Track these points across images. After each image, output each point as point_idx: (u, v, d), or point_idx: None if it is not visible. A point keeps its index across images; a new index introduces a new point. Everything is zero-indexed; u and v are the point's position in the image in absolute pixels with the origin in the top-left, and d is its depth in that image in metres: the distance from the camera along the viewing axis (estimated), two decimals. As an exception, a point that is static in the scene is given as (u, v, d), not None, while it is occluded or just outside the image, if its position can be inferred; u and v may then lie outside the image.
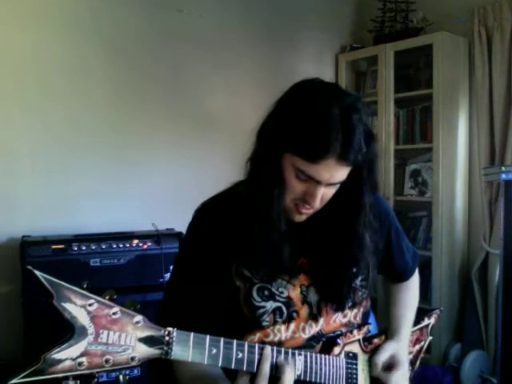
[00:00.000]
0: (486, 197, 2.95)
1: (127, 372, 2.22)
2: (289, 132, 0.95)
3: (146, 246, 2.37)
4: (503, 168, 2.38)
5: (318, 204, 0.98)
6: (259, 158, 1.02)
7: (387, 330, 1.21)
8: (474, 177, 3.12)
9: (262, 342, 1.03)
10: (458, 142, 3.10)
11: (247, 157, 1.04)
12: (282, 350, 0.95)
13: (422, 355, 1.31)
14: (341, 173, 0.95)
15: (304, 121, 0.93)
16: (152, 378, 2.11)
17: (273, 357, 0.92)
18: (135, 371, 2.25)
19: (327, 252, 1.06)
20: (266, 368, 0.90)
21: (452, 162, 3.07)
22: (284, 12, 3.32)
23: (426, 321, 1.32)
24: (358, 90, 3.63)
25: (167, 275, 2.33)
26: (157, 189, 2.81)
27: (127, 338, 0.77)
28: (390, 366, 1.13)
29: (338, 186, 1.00)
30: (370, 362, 1.12)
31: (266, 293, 1.04)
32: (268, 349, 0.91)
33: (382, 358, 1.12)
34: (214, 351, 0.86)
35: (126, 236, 2.40)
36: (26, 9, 2.42)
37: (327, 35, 3.55)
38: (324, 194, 0.98)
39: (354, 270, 1.09)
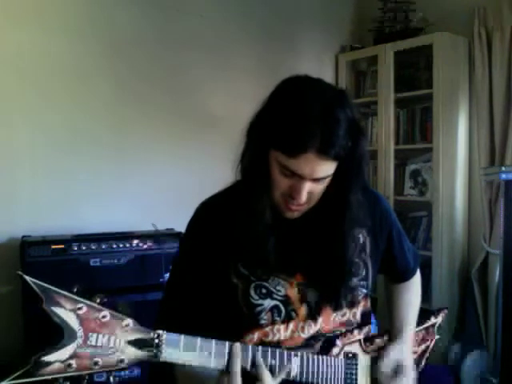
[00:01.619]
0: (486, 197, 2.95)
1: (125, 373, 2.23)
2: (272, 128, 0.96)
3: (145, 246, 2.37)
4: (503, 168, 2.38)
5: (304, 199, 0.97)
6: (247, 155, 1.03)
7: (390, 331, 1.20)
8: (474, 177, 3.12)
9: (262, 342, 1.04)
10: (458, 142, 3.09)
11: (239, 155, 1.05)
12: (277, 351, 0.95)
13: (427, 355, 1.30)
14: (324, 167, 0.94)
15: (285, 116, 0.94)
16: (151, 377, 2.11)
17: (262, 356, 0.91)
18: (135, 371, 2.25)
19: (321, 250, 1.06)
20: (236, 366, 0.88)
21: (452, 162, 3.07)
22: (284, 12, 3.32)
23: (433, 320, 1.31)
24: (358, 90, 3.63)
25: (167, 275, 2.32)
26: (157, 189, 2.82)
27: (116, 340, 0.79)
28: (396, 371, 1.12)
29: (328, 181, 1.00)
30: (375, 367, 1.11)
31: (264, 291, 1.04)
32: (237, 346, 0.90)
33: (387, 364, 1.11)
34: (206, 353, 0.86)
35: (126, 236, 2.40)
36: (25, 11, 2.42)
37: (327, 35, 3.54)
38: (312, 189, 0.98)
39: (350, 269, 1.08)
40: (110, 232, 2.44)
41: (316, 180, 0.97)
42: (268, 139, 0.97)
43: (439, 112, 3.00)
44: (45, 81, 2.49)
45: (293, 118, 0.93)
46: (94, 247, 2.26)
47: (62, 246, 2.21)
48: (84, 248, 2.25)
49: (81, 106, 2.59)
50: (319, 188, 0.99)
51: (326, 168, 0.95)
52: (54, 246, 2.20)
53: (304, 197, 0.97)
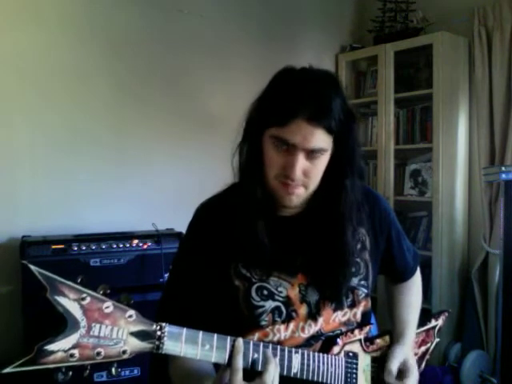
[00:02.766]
0: (486, 197, 2.95)
1: (125, 373, 2.23)
2: (264, 108, 0.99)
3: (145, 246, 2.36)
4: (503, 168, 2.38)
5: (297, 174, 0.97)
6: (243, 144, 1.05)
7: (391, 332, 1.20)
8: (474, 177, 3.12)
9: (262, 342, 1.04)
10: (458, 142, 3.10)
11: (235, 148, 1.06)
12: (278, 347, 0.95)
13: (427, 357, 1.30)
14: (316, 136, 0.95)
15: (276, 93, 0.98)
16: (151, 377, 2.11)
17: (256, 351, 0.91)
18: (135, 371, 2.25)
19: (322, 248, 1.06)
20: (238, 361, 0.88)
21: (452, 162, 3.07)
22: (284, 12, 3.32)
23: (433, 322, 1.31)
24: (358, 90, 3.64)
25: (167, 275, 2.32)
26: (157, 189, 2.82)
27: (119, 331, 0.79)
28: (401, 372, 1.12)
29: (323, 163, 1.00)
30: (383, 369, 1.11)
31: (265, 292, 1.04)
32: (239, 341, 0.90)
33: (396, 364, 1.11)
34: (207, 346, 0.86)
35: (126, 236, 2.40)
36: (24, 11, 2.42)
37: (327, 35, 3.55)
38: (306, 168, 0.98)
39: (353, 268, 1.09)
40: (110, 232, 2.44)
41: (309, 154, 0.96)
42: (261, 121, 0.99)
43: (439, 112, 3.00)
44: (45, 81, 2.49)
45: (283, 92, 0.96)
46: (93, 247, 2.26)
47: (62, 246, 2.21)
48: (84, 248, 2.24)
49: (81, 106, 2.59)
50: (314, 169, 0.99)
51: (318, 138, 0.95)
52: (54, 246, 2.19)
53: (298, 172, 0.97)
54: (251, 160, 1.02)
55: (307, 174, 0.98)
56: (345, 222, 1.06)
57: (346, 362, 1.07)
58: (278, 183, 1.00)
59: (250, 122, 1.04)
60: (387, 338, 1.18)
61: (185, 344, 0.84)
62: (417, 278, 1.33)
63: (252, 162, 1.02)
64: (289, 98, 0.95)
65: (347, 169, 1.04)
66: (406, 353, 1.14)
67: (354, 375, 1.08)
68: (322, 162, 1.00)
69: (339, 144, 0.99)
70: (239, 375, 0.88)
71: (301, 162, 0.96)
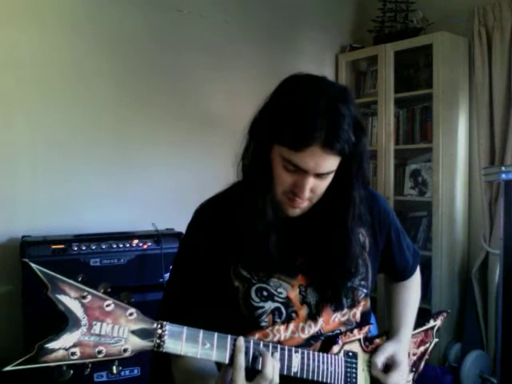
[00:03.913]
0: (486, 197, 2.95)
1: (125, 373, 2.22)
2: (275, 123, 0.96)
3: (146, 246, 2.37)
4: (503, 168, 2.38)
5: (306, 195, 0.97)
6: (249, 152, 1.03)
7: (389, 331, 1.21)
8: (474, 177, 3.12)
9: (262, 343, 1.04)
10: (458, 142, 3.10)
11: (239, 153, 1.05)
12: (278, 346, 0.95)
13: (426, 357, 1.30)
14: (328, 162, 0.94)
15: (289, 110, 0.94)
16: (151, 377, 2.11)
17: (255, 349, 0.91)
18: (135, 371, 2.25)
19: (323, 251, 1.06)
20: (240, 360, 0.88)
21: (452, 162, 3.07)
22: (284, 12, 3.32)
23: (432, 323, 1.31)
24: (358, 90, 3.63)
25: (167, 275, 2.33)
26: (157, 189, 2.82)
27: (120, 329, 0.79)
28: (389, 367, 1.13)
29: (330, 178, 1.00)
30: (370, 362, 1.12)
31: (265, 293, 1.04)
32: (240, 340, 0.90)
33: (381, 358, 1.12)
34: (208, 345, 0.87)
35: (126, 236, 2.40)
36: (24, 11, 2.42)
37: (327, 35, 3.55)
38: (315, 186, 0.98)
39: (352, 269, 1.08)
40: (110, 232, 2.44)
41: (319, 176, 0.96)
42: (271, 135, 0.97)
43: (439, 112, 3.00)
44: (45, 81, 2.49)
45: (297, 112, 0.93)
46: (94, 247, 2.26)
47: (62, 246, 2.21)
48: (84, 248, 2.24)
49: (81, 105, 2.59)
50: (322, 185, 0.99)
51: (330, 163, 0.95)
52: (53, 246, 2.19)
53: (307, 193, 0.97)
54: (259, 173, 1.00)
55: (314, 190, 0.99)
56: (352, 236, 1.06)
57: (346, 361, 1.07)
58: (285, 198, 1.00)
59: (257, 133, 1.02)
60: (385, 337, 1.19)
61: (185, 343, 0.85)
62: (416, 277, 1.33)
63: (259, 176, 1.00)
64: (302, 122, 0.92)
65: (355, 181, 1.04)
66: (396, 348, 1.15)
67: (354, 374, 1.08)
68: (330, 178, 1.00)
69: (349, 159, 0.99)
70: (241, 373, 0.88)
71: (310, 183, 0.96)
